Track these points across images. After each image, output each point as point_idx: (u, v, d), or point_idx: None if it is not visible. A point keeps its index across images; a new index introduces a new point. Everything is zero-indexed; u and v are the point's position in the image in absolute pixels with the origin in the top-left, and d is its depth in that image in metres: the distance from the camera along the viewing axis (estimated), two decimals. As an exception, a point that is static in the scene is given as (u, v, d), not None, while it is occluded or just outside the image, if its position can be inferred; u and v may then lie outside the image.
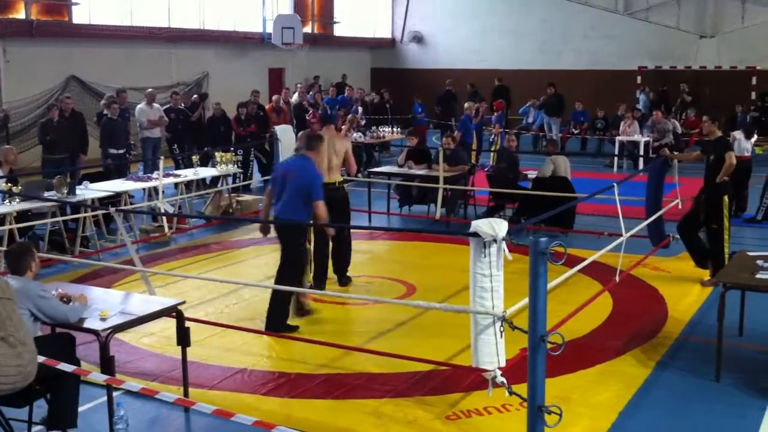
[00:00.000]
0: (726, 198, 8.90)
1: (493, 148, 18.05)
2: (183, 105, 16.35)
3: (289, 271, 7.69)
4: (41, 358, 4.60)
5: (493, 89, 23.96)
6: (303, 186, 7.58)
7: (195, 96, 17.60)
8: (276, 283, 7.65)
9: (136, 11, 20.56)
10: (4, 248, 9.06)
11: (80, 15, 19.20)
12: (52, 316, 5.30)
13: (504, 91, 23.79)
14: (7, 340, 2.24)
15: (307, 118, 13.18)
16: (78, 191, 10.57)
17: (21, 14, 18.02)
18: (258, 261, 10.53)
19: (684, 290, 8.92)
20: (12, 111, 17.55)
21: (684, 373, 6.64)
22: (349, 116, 18.13)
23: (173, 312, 5.91)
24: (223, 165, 13.04)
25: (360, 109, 20.99)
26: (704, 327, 7.59)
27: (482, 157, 18.30)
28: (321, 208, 7.54)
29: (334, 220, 8.46)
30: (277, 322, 7.50)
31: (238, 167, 13.75)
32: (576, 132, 21.88)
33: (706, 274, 9.16)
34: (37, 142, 14.71)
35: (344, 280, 9.21)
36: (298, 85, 21.44)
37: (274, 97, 18.42)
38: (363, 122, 19.88)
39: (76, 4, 18.98)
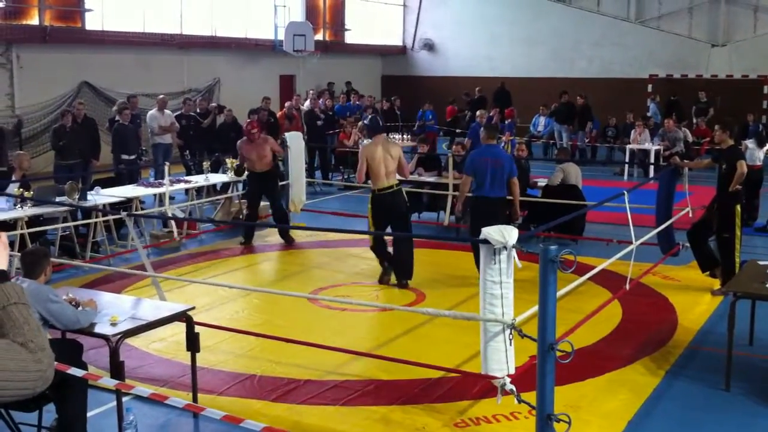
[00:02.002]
0: (738, 207, 8.87)
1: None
2: (197, 111, 16.41)
3: None
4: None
5: (495, 91, 24.10)
6: (507, 167, 9.25)
7: (213, 104, 17.67)
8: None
9: (148, 18, 20.65)
10: (16, 252, 9.11)
11: (93, 21, 19.29)
12: (64, 320, 5.33)
13: (505, 96, 23.87)
14: (27, 346, 2.24)
15: (244, 126, 13.47)
16: (89, 196, 10.63)
17: (34, 20, 18.13)
18: (267, 266, 10.58)
19: (694, 299, 8.89)
20: (25, 116, 17.64)
21: (694, 382, 6.62)
22: (360, 123, 18.16)
23: (183, 317, 5.93)
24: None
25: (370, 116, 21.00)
26: (714, 336, 7.57)
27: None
28: (516, 183, 9.42)
29: (396, 224, 9.36)
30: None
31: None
32: (586, 140, 21.85)
33: (716, 283, 9.13)
34: (49, 147, 14.79)
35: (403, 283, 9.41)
36: (310, 92, 21.49)
37: (287, 104, 18.48)
38: None
39: (90, 10, 19.09)
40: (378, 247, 9.60)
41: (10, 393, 2.19)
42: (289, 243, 11.61)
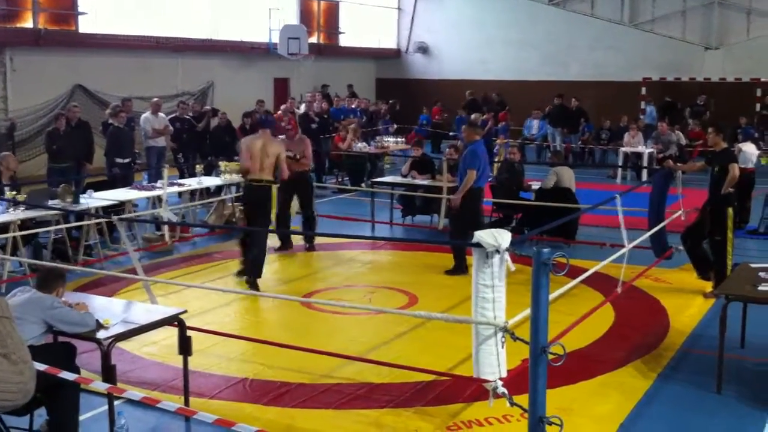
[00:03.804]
0: (730, 210, 8.90)
1: (496, 159, 18.08)
2: (191, 114, 16.39)
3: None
4: (42, 366, 4.62)
5: (466, 102, 24.26)
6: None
7: (208, 107, 17.66)
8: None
9: (143, 21, 20.63)
10: (9, 256, 9.11)
11: (87, 24, 19.28)
12: (70, 324, 5.33)
13: (489, 103, 23.94)
14: (9, 358, 2.25)
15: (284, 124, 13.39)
16: (82, 200, 10.61)
17: (28, 23, 18.11)
18: (261, 270, 10.54)
19: (686, 302, 8.91)
20: (18, 119, 17.61)
21: (685, 385, 6.63)
22: (352, 126, 18.19)
23: (175, 321, 5.92)
24: (227, 174, 13.07)
25: (362, 118, 21.09)
26: (706, 339, 7.59)
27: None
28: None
29: (255, 216, 9.73)
30: None
31: (241, 176, 13.75)
32: (579, 143, 21.91)
33: (708, 286, 9.15)
34: (43, 150, 14.76)
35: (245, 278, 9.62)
36: (308, 95, 21.48)
37: (282, 107, 18.48)
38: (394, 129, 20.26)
39: (84, 13, 19.08)
40: (243, 243, 9.91)
41: None
42: (310, 247, 11.57)
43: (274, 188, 9.81)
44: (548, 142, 21.80)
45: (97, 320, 5.51)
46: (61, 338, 5.75)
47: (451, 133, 22.40)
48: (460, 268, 10.01)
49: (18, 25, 18.01)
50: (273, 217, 9.92)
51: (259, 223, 9.71)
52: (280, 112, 18.15)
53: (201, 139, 16.16)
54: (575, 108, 22.12)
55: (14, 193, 9.92)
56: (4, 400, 2.21)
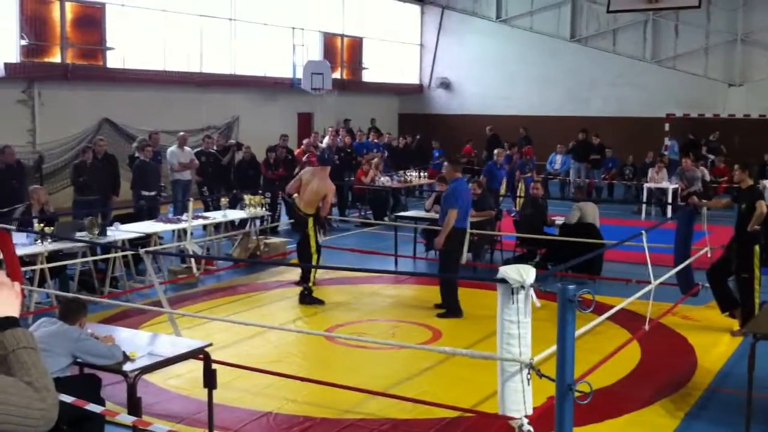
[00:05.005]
0: (757, 247, 8.82)
1: (519, 194, 18.06)
2: (216, 148, 16.55)
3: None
4: (69, 398, 4.65)
5: (487, 138, 24.30)
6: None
7: (232, 141, 17.83)
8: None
9: (169, 57, 20.93)
10: (36, 288, 9.19)
11: (114, 60, 19.58)
12: (98, 357, 5.36)
13: (495, 141, 23.97)
14: (33, 385, 2.30)
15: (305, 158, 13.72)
16: (108, 232, 10.70)
17: (56, 58, 18.42)
18: (284, 304, 10.56)
19: (713, 340, 8.82)
20: (46, 152, 17.85)
21: (713, 425, 6.54)
22: (375, 161, 18.26)
23: (200, 354, 5.94)
24: (252, 208, 13.16)
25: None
26: (734, 378, 7.49)
27: (507, 203, 18.19)
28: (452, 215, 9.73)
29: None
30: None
31: (266, 210, 13.86)
32: (603, 178, 21.87)
33: (735, 324, 9.05)
34: (69, 183, 14.93)
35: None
36: (329, 129, 21.61)
37: (305, 141, 18.61)
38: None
39: (111, 48, 19.38)
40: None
41: (11, 428, 2.23)
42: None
43: (311, 221, 10.36)
44: (570, 177, 21.78)
45: (123, 352, 5.55)
46: (86, 370, 5.78)
47: (476, 167, 22.44)
48: (454, 310, 9.85)
49: (47, 60, 18.31)
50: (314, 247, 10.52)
51: (301, 242, 10.73)
52: (303, 146, 18.27)
53: (226, 173, 16.31)
54: (597, 144, 22.12)
55: (43, 225, 10.02)
56: (26, 426, 2.25)
